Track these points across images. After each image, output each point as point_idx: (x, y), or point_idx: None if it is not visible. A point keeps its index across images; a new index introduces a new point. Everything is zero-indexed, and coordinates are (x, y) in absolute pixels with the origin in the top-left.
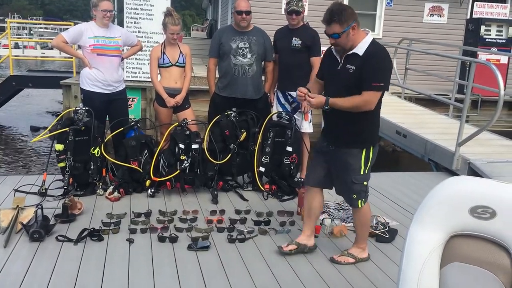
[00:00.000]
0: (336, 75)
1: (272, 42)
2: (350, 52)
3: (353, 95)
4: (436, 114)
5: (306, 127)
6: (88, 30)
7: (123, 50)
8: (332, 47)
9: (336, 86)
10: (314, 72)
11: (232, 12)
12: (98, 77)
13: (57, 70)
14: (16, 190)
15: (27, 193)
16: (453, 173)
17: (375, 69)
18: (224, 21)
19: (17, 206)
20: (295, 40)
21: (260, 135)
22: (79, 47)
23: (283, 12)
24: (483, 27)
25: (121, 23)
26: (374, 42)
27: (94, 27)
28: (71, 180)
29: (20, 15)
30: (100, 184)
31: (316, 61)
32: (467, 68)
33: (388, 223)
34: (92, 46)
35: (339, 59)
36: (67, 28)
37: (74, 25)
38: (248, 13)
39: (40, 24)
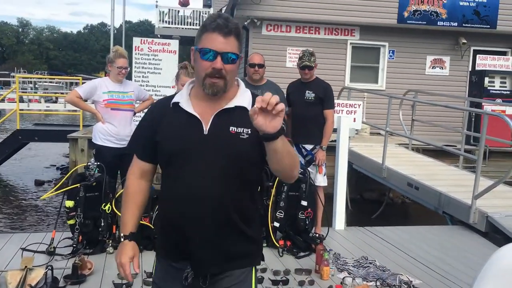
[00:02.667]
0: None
1: (285, 95)
2: None
3: None
4: (446, 165)
5: (321, 180)
6: (102, 85)
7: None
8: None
9: None
10: (328, 125)
11: (245, 66)
12: (111, 132)
13: (63, 124)
14: (24, 249)
15: (35, 251)
16: (469, 227)
17: None
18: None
19: (25, 267)
20: (308, 93)
21: (273, 189)
22: (93, 101)
23: (287, 66)
24: (486, 79)
25: (129, 77)
26: None
27: (108, 82)
28: (80, 238)
29: (26, 69)
30: (110, 241)
31: (330, 114)
32: (473, 119)
33: (412, 281)
34: (106, 101)
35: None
36: (71, 82)
37: (83, 80)
38: (261, 66)
39: (45, 78)
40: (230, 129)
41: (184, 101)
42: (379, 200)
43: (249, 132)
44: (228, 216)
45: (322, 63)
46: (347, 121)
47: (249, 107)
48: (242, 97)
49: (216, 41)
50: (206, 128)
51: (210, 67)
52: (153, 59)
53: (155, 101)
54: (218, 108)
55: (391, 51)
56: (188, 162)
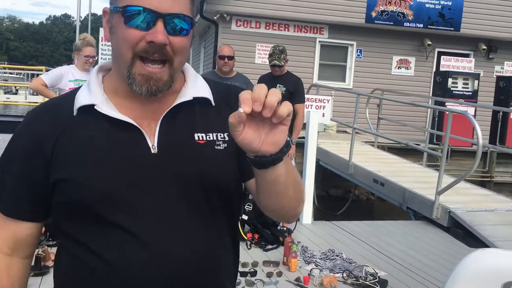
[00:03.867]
0: None
1: None
2: None
3: None
4: (410, 163)
5: None
6: (69, 73)
7: None
8: None
9: None
10: (298, 119)
11: (215, 58)
12: None
13: (21, 115)
14: None
15: None
16: (432, 222)
17: None
18: (207, 67)
19: None
20: (279, 86)
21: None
22: (58, 90)
23: (256, 62)
24: (450, 80)
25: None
26: None
27: (74, 71)
28: (43, 229)
29: None
30: None
31: (301, 108)
32: (436, 118)
33: (377, 273)
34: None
35: None
36: (33, 74)
37: (46, 70)
38: (231, 58)
39: (5, 69)
40: (196, 137)
41: (101, 100)
42: (344, 197)
43: (226, 138)
44: (215, 282)
45: (291, 60)
46: (316, 115)
47: (211, 98)
48: (196, 85)
49: None
50: (152, 142)
51: (144, 40)
52: None
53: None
54: (164, 106)
55: (358, 50)
56: (131, 210)
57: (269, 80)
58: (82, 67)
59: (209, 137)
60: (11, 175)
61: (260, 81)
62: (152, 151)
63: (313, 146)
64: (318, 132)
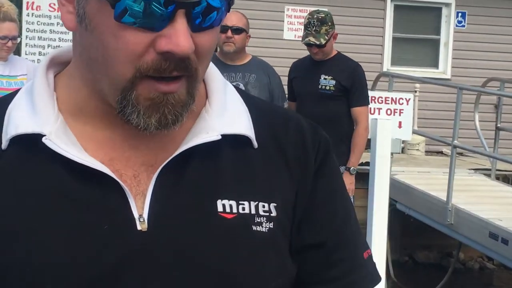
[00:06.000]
0: None
1: (287, 82)
2: None
3: None
4: None
5: None
6: None
7: None
8: None
9: None
10: (360, 133)
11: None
12: None
13: None
14: None
15: None
16: None
17: None
18: None
19: None
20: (324, 79)
21: None
22: None
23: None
24: None
25: (17, 52)
26: None
27: None
28: None
29: None
30: None
31: (362, 114)
32: None
33: None
34: None
35: None
36: None
37: None
38: (239, 30)
39: None
40: (219, 207)
41: (55, 128)
42: (441, 264)
43: (273, 212)
44: None
45: (345, 32)
46: (388, 126)
47: (253, 137)
48: (227, 107)
49: None
50: (140, 211)
51: (154, 48)
52: (58, 24)
53: None
54: (167, 143)
55: (460, 14)
56: None
57: (308, 68)
58: None
59: (243, 209)
60: None
61: (294, 70)
62: (139, 227)
63: (385, 178)
64: (392, 154)
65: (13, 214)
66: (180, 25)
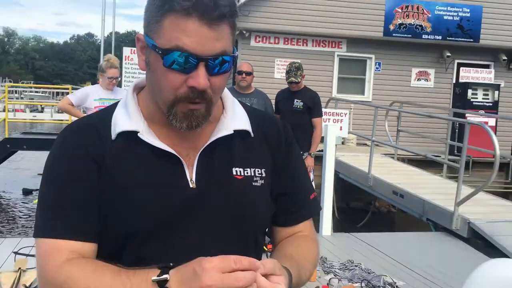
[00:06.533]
0: None
1: (274, 104)
2: None
3: None
4: (430, 174)
5: None
6: (94, 93)
7: None
8: None
9: None
10: (317, 132)
11: (234, 74)
12: None
13: (50, 133)
14: (16, 253)
15: (27, 255)
16: (452, 233)
17: None
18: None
19: (19, 268)
20: (297, 101)
21: None
22: (84, 109)
23: (276, 76)
24: (470, 91)
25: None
26: None
27: (99, 90)
28: None
29: (11, 79)
30: None
31: (318, 122)
32: (456, 130)
33: (396, 283)
34: (97, 108)
35: None
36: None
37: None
38: (249, 74)
39: (33, 87)
40: (233, 172)
41: (144, 128)
42: (365, 209)
43: (263, 174)
44: None
45: (310, 74)
46: (334, 129)
47: (250, 130)
48: (235, 115)
49: (196, 34)
50: (191, 176)
51: (185, 84)
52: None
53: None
54: (201, 137)
55: (377, 63)
56: (165, 243)
57: (287, 95)
58: (106, 87)
59: (247, 173)
60: (73, 192)
61: (279, 96)
62: (191, 185)
63: (331, 158)
64: (336, 145)
65: (123, 176)
66: (201, 71)
